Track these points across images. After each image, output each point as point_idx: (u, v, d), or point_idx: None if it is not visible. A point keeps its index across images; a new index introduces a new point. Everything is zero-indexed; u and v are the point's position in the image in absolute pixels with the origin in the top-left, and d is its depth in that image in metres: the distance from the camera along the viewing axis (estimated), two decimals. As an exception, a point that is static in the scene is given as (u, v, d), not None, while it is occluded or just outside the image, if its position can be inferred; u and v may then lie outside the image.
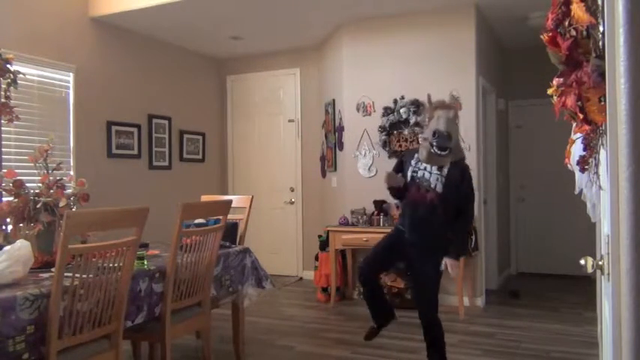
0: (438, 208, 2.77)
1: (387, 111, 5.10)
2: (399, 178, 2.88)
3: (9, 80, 2.92)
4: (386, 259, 3.03)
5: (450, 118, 2.79)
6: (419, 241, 2.83)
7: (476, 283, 4.90)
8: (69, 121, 4.81)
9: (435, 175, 2.79)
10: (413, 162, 2.89)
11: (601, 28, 1.14)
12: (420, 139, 2.94)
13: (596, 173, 1.77)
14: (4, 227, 2.66)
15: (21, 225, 2.63)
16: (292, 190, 6.35)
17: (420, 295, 2.92)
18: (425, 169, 2.82)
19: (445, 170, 2.80)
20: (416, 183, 2.83)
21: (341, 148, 5.48)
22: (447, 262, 2.79)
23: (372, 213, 5.02)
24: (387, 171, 2.93)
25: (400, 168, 2.98)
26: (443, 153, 2.76)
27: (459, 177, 2.80)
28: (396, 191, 2.93)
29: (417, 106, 4.98)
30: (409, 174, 2.87)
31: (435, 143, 2.75)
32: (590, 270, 1.36)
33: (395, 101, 5.10)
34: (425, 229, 2.82)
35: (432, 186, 2.79)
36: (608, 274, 1.10)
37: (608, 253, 1.11)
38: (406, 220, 2.89)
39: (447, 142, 2.74)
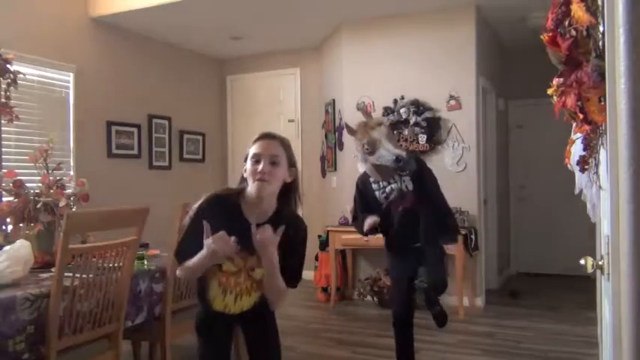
0: (420, 204, 2.79)
1: (387, 111, 5.10)
2: (376, 220, 2.80)
3: (9, 80, 2.92)
4: (412, 291, 2.94)
5: (389, 135, 2.78)
6: (425, 240, 2.82)
7: (476, 283, 4.90)
8: (69, 121, 4.82)
9: (399, 179, 2.81)
10: (374, 185, 2.88)
11: (601, 28, 1.14)
12: (369, 165, 2.83)
13: (596, 173, 1.77)
14: (4, 227, 2.66)
15: (21, 225, 2.63)
16: (292, 190, 6.35)
17: (433, 269, 2.85)
18: (389, 183, 2.84)
19: (405, 173, 2.82)
20: (391, 199, 2.83)
21: (341, 148, 5.48)
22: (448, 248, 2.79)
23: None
24: (369, 220, 2.80)
25: (363, 199, 2.95)
26: (404, 173, 2.77)
27: (419, 170, 2.82)
28: (376, 230, 2.89)
29: (417, 106, 4.98)
30: (379, 195, 2.86)
31: (398, 167, 2.73)
32: (590, 270, 1.36)
33: (395, 101, 5.10)
34: (425, 227, 2.80)
35: (404, 189, 2.81)
36: (608, 274, 1.10)
37: (608, 253, 1.11)
38: (402, 234, 2.84)
39: (409, 161, 2.73)
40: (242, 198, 1.82)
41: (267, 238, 1.69)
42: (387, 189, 2.85)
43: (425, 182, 2.82)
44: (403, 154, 2.73)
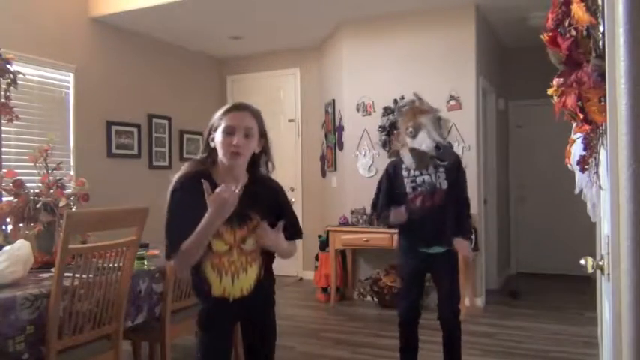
0: (448, 206, 2.73)
1: (387, 111, 5.10)
2: (403, 213, 2.73)
3: (9, 80, 2.92)
4: (418, 291, 2.92)
5: (435, 122, 2.72)
6: (447, 243, 2.78)
7: (476, 283, 4.90)
8: (69, 121, 4.81)
9: (435, 174, 2.74)
10: (405, 173, 2.78)
11: (601, 28, 1.14)
12: (405, 150, 2.75)
13: (596, 173, 1.77)
14: (4, 227, 2.66)
15: (21, 225, 2.63)
16: (292, 190, 6.35)
17: (447, 289, 2.84)
18: (422, 174, 2.76)
19: (441, 167, 2.75)
20: (420, 192, 2.74)
21: (341, 148, 5.48)
22: (457, 244, 2.73)
23: (372, 213, 5.01)
24: (394, 210, 2.74)
25: (389, 184, 2.86)
26: (444, 163, 2.71)
27: (455, 167, 2.79)
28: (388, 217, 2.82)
29: (417, 106, 4.97)
30: (408, 185, 2.76)
31: (437, 156, 2.68)
32: (590, 270, 1.36)
33: (395, 101, 5.09)
34: (444, 231, 2.76)
35: (438, 186, 2.73)
36: (608, 274, 1.10)
37: (608, 253, 1.11)
38: (424, 231, 2.75)
39: (448, 151, 2.70)
40: (212, 168, 1.79)
41: (269, 236, 1.72)
42: (418, 179, 2.75)
43: (459, 181, 2.77)
44: (445, 143, 2.68)
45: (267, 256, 1.87)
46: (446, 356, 2.88)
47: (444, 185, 2.74)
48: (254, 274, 1.82)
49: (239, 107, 1.81)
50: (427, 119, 2.71)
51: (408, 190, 2.76)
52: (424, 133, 2.67)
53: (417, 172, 2.76)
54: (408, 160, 2.76)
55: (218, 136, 1.75)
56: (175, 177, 1.78)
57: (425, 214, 2.73)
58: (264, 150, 1.87)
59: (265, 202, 1.81)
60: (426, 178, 2.75)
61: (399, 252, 2.95)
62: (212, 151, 1.79)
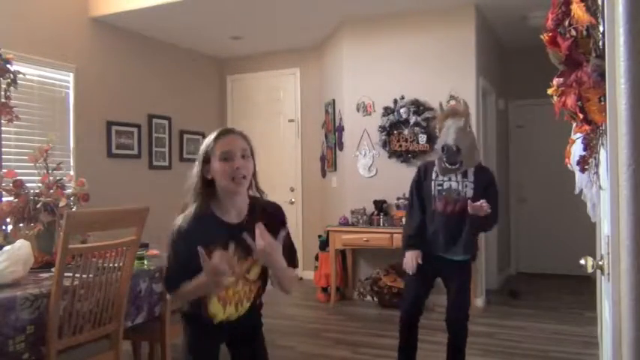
0: (468, 216, 2.70)
1: (387, 111, 5.10)
2: (413, 264, 2.81)
3: (9, 80, 2.92)
4: (426, 280, 2.90)
5: (460, 128, 2.70)
6: (461, 252, 2.78)
7: (476, 283, 4.89)
8: (69, 121, 4.82)
9: (462, 183, 2.75)
10: (434, 176, 2.81)
11: (601, 28, 1.14)
12: (435, 151, 2.82)
13: (596, 173, 1.78)
14: (4, 227, 2.66)
15: (21, 225, 2.63)
16: (292, 190, 6.35)
17: (458, 301, 2.86)
18: (450, 179, 2.76)
19: (470, 176, 2.76)
20: (443, 196, 2.76)
21: (341, 148, 5.48)
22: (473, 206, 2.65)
23: (372, 213, 5.02)
24: (409, 255, 2.82)
25: (419, 185, 2.87)
26: (453, 167, 2.72)
27: (486, 183, 2.76)
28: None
29: (417, 106, 4.98)
30: (434, 188, 2.79)
31: (444, 158, 2.73)
32: (590, 270, 1.36)
33: (395, 101, 5.10)
34: (463, 238, 2.76)
35: (462, 194, 2.73)
36: (608, 274, 1.10)
37: (608, 253, 1.11)
38: (440, 238, 2.77)
39: (456, 156, 2.68)
40: (213, 205, 1.73)
41: (271, 245, 1.64)
42: (445, 184, 2.77)
43: (489, 197, 2.68)
44: (454, 150, 2.66)
45: (263, 283, 1.85)
46: (449, 358, 2.88)
47: (469, 194, 2.72)
48: (248, 305, 1.83)
49: (229, 132, 1.76)
50: (454, 122, 2.72)
51: (434, 192, 2.79)
52: (444, 134, 2.73)
53: (445, 178, 2.79)
54: (437, 164, 2.81)
55: (215, 165, 1.69)
56: (177, 222, 1.72)
57: (444, 220, 2.76)
58: (254, 172, 1.80)
59: (268, 228, 1.70)
60: (453, 184, 2.76)
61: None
62: (210, 185, 1.72)
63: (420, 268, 2.82)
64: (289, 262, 1.78)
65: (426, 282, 2.90)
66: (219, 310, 1.77)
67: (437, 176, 2.80)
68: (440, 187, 2.78)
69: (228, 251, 1.60)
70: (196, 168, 1.73)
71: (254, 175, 1.79)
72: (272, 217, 1.81)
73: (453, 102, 4.90)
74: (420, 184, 2.86)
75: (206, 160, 1.71)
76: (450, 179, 2.77)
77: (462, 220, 2.73)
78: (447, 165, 2.74)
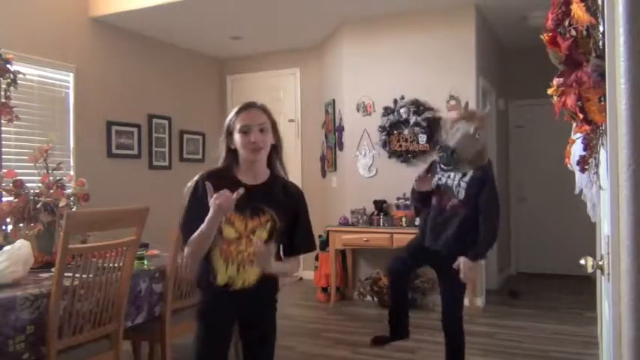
0: (459, 215, 2.71)
1: (387, 111, 5.10)
2: (430, 183, 2.79)
3: (9, 80, 2.92)
4: (417, 257, 2.95)
5: (467, 134, 2.64)
6: (440, 247, 2.79)
7: (476, 283, 4.89)
8: (69, 121, 4.82)
9: (457, 182, 2.75)
10: (438, 169, 2.84)
11: (601, 28, 1.14)
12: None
13: (596, 173, 1.78)
14: (4, 227, 2.66)
15: (21, 225, 2.63)
16: (292, 190, 6.34)
17: (446, 295, 2.88)
18: (449, 176, 2.77)
19: (467, 177, 2.74)
20: (440, 190, 2.80)
21: (341, 148, 5.48)
22: (460, 262, 2.70)
23: (372, 213, 5.02)
24: (420, 174, 2.81)
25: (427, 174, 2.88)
26: (446, 168, 2.73)
27: (480, 184, 2.72)
28: (419, 196, 2.86)
29: (417, 106, 4.98)
30: (435, 180, 2.82)
31: (438, 158, 2.75)
32: (590, 270, 1.36)
33: (395, 101, 5.09)
34: (445, 234, 2.77)
35: (455, 193, 2.74)
36: (608, 274, 1.10)
37: (608, 253, 1.11)
38: (428, 225, 2.83)
39: (449, 159, 2.65)
40: (235, 169, 1.91)
41: (263, 252, 1.77)
42: (443, 179, 2.80)
43: (480, 199, 2.69)
44: (450, 152, 2.63)
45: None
46: (447, 358, 2.88)
47: (461, 195, 2.72)
48: (258, 270, 1.86)
49: (249, 106, 1.91)
50: (462, 125, 2.68)
51: (433, 185, 2.83)
52: (450, 135, 2.72)
53: (446, 173, 2.80)
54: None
55: (236, 137, 1.87)
56: (199, 174, 1.89)
57: (434, 213, 2.80)
58: (279, 143, 1.98)
59: (282, 203, 1.91)
60: (449, 181, 2.78)
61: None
62: (234, 153, 1.90)
63: (417, 245, 2.91)
64: (307, 247, 1.99)
65: (422, 251, 2.91)
66: (221, 266, 1.85)
67: (440, 170, 2.83)
68: (440, 182, 2.82)
69: (239, 192, 1.75)
70: (221, 139, 1.93)
71: (276, 148, 1.96)
72: (290, 195, 1.97)
73: (452, 102, 4.91)
74: (430, 171, 2.88)
75: (229, 132, 1.89)
76: (449, 176, 2.78)
77: (449, 218, 2.75)
78: (441, 166, 2.77)
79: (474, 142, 2.66)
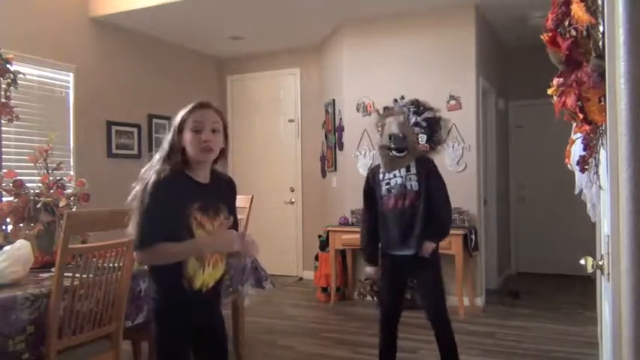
0: (419, 207, 2.80)
1: (387, 111, 5.10)
2: (373, 272, 3.06)
3: (9, 80, 2.92)
4: (398, 297, 2.96)
5: (400, 122, 2.86)
6: (412, 247, 2.82)
7: (476, 283, 4.90)
8: (69, 121, 4.82)
9: (406, 177, 2.84)
10: (381, 176, 2.91)
11: (601, 28, 1.14)
12: (377, 150, 2.95)
13: (596, 173, 1.77)
14: (4, 227, 2.66)
15: (21, 225, 2.63)
16: (292, 190, 6.35)
17: (430, 296, 2.90)
18: (394, 176, 2.86)
19: (413, 169, 2.84)
20: (392, 194, 2.85)
21: (341, 148, 5.48)
22: (426, 246, 2.80)
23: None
24: (369, 270, 3.06)
25: (370, 190, 2.96)
26: (401, 154, 2.82)
27: (427, 171, 2.85)
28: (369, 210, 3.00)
29: (417, 106, 4.97)
30: (383, 187, 2.88)
31: (393, 146, 2.82)
32: (590, 270, 1.36)
33: (395, 101, 5.09)
34: (416, 231, 2.81)
35: (409, 187, 2.82)
36: (608, 274, 1.10)
37: (608, 253, 1.11)
38: (393, 233, 2.85)
39: (403, 142, 2.80)
40: (184, 167, 1.86)
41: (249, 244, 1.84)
42: (392, 182, 2.86)
43: (431, 184, 2.82)
44: (401, 136, 2.79)
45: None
46: (441, 353, 2.90)
47: (415, 187, 2.82)
48: (224, 267, 1.93)
49: (204, 105, 1.88)
50: (393, 118, 2.88)
51: (383, 192, 2.89)
52: (387, 129, 2.85)
53: (390, 175, 2.87)
54: (382, 162, 2.91)
55: (187, 136, 1.82)
56: (153, 177, 1.77)
57: (396, 217, 2.84)
58: (227, 147, 1.95)
59: (226, 194, 1.97)
60: (398, 180, 2.85)
61: (380, 258, 3.00)
62: (182, 152, 1.84)
63: (386, 275, 2.94)
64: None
65: (397, 285, 2.96)
66: (197, 270, 1.82)
67: (383, 176, 2.89)
68: (388, 186, 2.87)
69: (221, 218, 1.82)
70: (170, 135, 1.87)
71: (223, 150, 1.92)
72: (228, 184, 2.02)
73: (452, 102, 4.91)
74: (370, 190, 2.97)
75: (180, 129, 1.84)
76: (395, 175, 2.86)
77: (413, 214, 2.80)
78: (395, 154, 2.82)
79: (409, 128, 2.92)
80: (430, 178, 2.83)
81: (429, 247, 2.80)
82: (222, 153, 1.92)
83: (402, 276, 2.96)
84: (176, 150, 1.83)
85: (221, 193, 1.94)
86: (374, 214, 2.93)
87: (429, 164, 2.89)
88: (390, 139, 2.81)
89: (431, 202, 2.81)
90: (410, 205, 2.81)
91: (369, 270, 3.06)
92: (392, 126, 2.83)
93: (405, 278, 3.02)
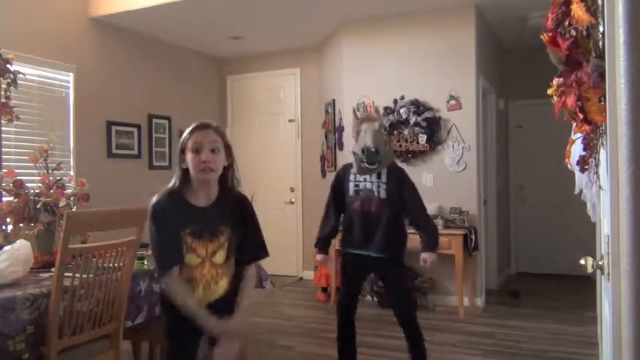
0: (385, 215, 2.84)
1: (387, 111, 5.10)
2: (329, 258, 3.21)
3: (9, 80, 2.92)
4: (354, 289, 3.04)
5: (375, 130, 2.86)
6: (376, 250, 2.86)
7: (476, 283, 4.90)
8: (69, 121, 4.81)
9: (376, 183, 2.87)
10: (351, 177, 2.95)
11: (601, 28, 1.14)
12: (352, 153, 2.98)
13: (596, 173, 1.77)
14: (4, 227, 2.65)
15: (21, 225, 2.63)
16: (292, 190, 6.35)
17: (395, 297, 2.97)
18: (364, 180, 2.89)
19: (384, 177, 2.88)
20: (360, 196, 2.89)
21: (341, 148, 5.48)
22: (423, 257, 2.89)
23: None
24: (320, 258, 3.11)
25: (339, 186, 3.01)
26: (372, 167, 2.85)
27: (398, 181, 2.88)
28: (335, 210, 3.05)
29: (417, 106, 4.98)
30: (351, 188, 2.93)
31: (365, 159, 2.85)
32: (590, 270, 1.36)
33: (395, 101, 5.10)
34: (378, 236, 2.85)
35: (376, 194, 2.86)
36: (608, 274, 1.10)
37: (608, 253, 1.11)
38: (357, 235, 2.90)
39: (375, 157, 2.82)
40: (185, 189, 1.91)
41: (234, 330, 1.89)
42: (361, 185, 2.91)
43: (405, 193, 2.87)
44: (374, 150, 2.80)
45: (235, 271, 2.00)
46: (410, 354, 2.91)
47: (382, 194, 2.86)
48: (224, 286, 1.95)
49: (203, 126, 1.92)
50: (370, 126, 2.88)
51: (351, 193, 2.94)
52: (362, 138, 2.87)
53: (360, 178, 2.92)
54: (354, 165, 2.94)
55: (188, 156, 1.88)
56: (152, 201, 1.89)
57: (360, 218, 2.89)
58: (232, 163, 1.97)
59: (233, 214, 1.95)
60: (368, 184, 2.90)
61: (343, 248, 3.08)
62: (186, 172, 1.91)
63: (346, 269, 3.01)
64: (259, 255, 2.07)
65: (356, 279, 3.04)
66: (191, 291, 1.90)
67: (354, 177, 2.94)
68: (356, 188, 2.92)
69: (220, 241, 1.86)
70: (176, 158, 1.96)
71: (229, 167, 1.95)
72: (238, 204, 2.01)
73: (452, 102, 4.91)
74: (339, 186, 3.01)
75: (183, 150, 1.92)
76: (365, 180, 2.90)
77: (377, 220, 2.85)
78: (366, 165, 2.85)
79: (383, 137, 2.92)
80: (405, 187, 2.88)
81: (429, 258, 2.87)
82: (227, 173, 1.95)
83: (361, 273, 3.07)
84: (181, 171, 1.91)
85: (225, 214, 1.93)
86: (339, 208, 3.00)
87: (401, 174, 2.93)
88: (363, 152, 2.84)
89: (400, 210, 2.88)
90: (375, 211, 2.85)
91: (320, 258, 3.11)
92: (367, 136, 2.84)
93: (365, 275, 3.17)
